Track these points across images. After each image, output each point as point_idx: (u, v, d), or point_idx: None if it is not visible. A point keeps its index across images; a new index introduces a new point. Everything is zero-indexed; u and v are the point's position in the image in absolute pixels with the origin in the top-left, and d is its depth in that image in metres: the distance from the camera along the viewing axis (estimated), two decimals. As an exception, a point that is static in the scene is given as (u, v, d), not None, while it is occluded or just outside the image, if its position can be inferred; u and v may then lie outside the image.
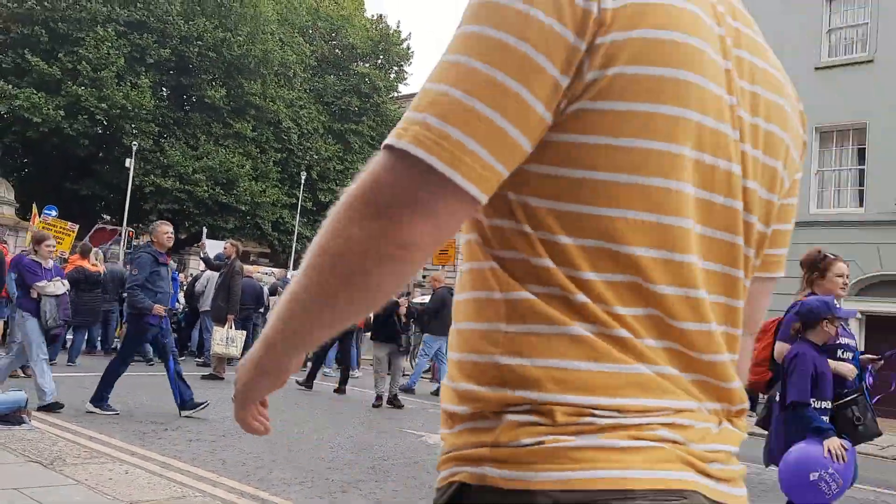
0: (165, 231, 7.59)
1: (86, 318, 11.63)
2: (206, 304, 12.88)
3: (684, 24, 0.80)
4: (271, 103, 31.84)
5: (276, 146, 33.58)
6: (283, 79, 33.52)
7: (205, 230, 23.94)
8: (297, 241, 34.37)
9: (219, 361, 11.03)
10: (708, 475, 0.81)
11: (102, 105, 26.63)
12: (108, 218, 32.39)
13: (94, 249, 12.56)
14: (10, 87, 25.67)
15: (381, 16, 41.81)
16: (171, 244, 7.66)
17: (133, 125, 28.01)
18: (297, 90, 34.56)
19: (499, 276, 0.83)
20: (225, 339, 10.65)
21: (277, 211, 33.22)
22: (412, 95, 31.44)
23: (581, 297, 0.80)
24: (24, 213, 23.60)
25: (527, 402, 0.79)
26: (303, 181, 33.32)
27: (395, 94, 42.15)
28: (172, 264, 15.17)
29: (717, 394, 0.87)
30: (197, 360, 13.26)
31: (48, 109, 25.66)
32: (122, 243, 25.04)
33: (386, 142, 0.78)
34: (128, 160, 27.47)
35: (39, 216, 18.94)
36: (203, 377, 10.92)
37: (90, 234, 21.78)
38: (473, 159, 0.75)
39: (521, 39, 0.75)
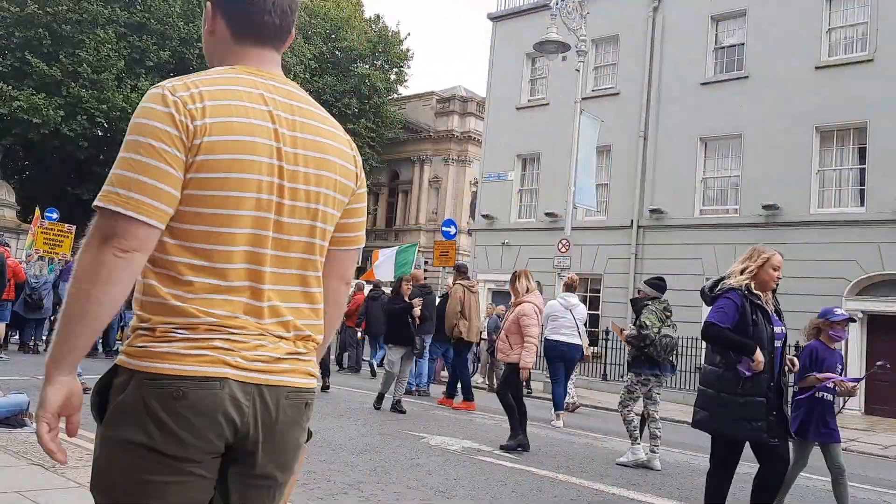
0: None
1: None
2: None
3: (241, 129, 1.50)
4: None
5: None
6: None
7: None
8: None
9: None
10: (245, 369, 1.48)
11: (103, 107, 26.60)
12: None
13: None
14: (11, 88, 25.63)
15: (378, 16, 41.65)
16: None
17: (133, 127, 27.98)
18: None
19: (146, 266, 1.49)
20: None
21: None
22: (413, 97, 31.22)
23: (179, 275, 1.48)
24: (25, 215, 23.62)
25: (145, 320, 1.48)
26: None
27: (395, 96, 41.87)
28: None
29: (279, 325, 1.55)
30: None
31: (48, 110, 25.62)
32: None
33: (95, 203, 1.44)
34: (129, 162, 27.38)
35: (42, 219, 18.95)
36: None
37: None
38: (148, 205, 1.42)
39: (158, 141, 1.44)
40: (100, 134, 28.98)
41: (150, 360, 1.44)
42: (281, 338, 1.55)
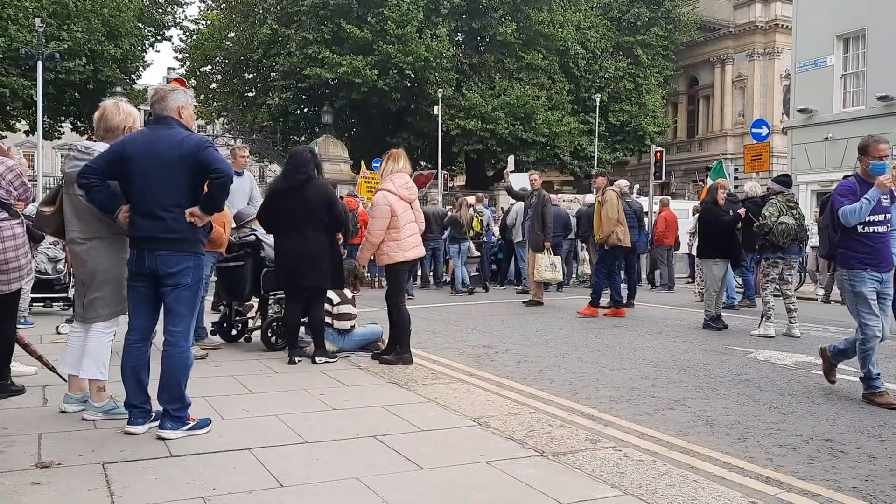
0: None
1: None
2: (517, 236, 13.54)
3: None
4: (559, 30, 31.71)
5: (564, 76, 33.53)
6: (569, 1, 33.11)
7: (511, 159, 24.72)
8: (597, 166, 34.09)
9: (538, 287, 11.56)
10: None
11: (408, 59, 28.77)
12: (424, 164, 35.21)
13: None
14: (335, 55, 28.82)
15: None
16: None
17: (436, 74, 29.88)
18: (584, 10, 33.96)
19: None
20: (550, 265, 11.20)
21: (574, 139, 33.26)
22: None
23: None
24: (356, 169, 26.71)
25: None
26: (597, 105, 32.79)
27: (688, -5, 38.95)
28: (476, 202, 16.03)
29: None
30: (516, 288, 14.09)
31: (366, 71, 28.47)
32: (439, 185, 27.23)
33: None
34: (435, 108, 29.50)
35: (366, 169, 21.25)
36: (525, 303, 11.55)
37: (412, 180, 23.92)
38: None
39: None
40: (408, 85, 31.46)
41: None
42: None
